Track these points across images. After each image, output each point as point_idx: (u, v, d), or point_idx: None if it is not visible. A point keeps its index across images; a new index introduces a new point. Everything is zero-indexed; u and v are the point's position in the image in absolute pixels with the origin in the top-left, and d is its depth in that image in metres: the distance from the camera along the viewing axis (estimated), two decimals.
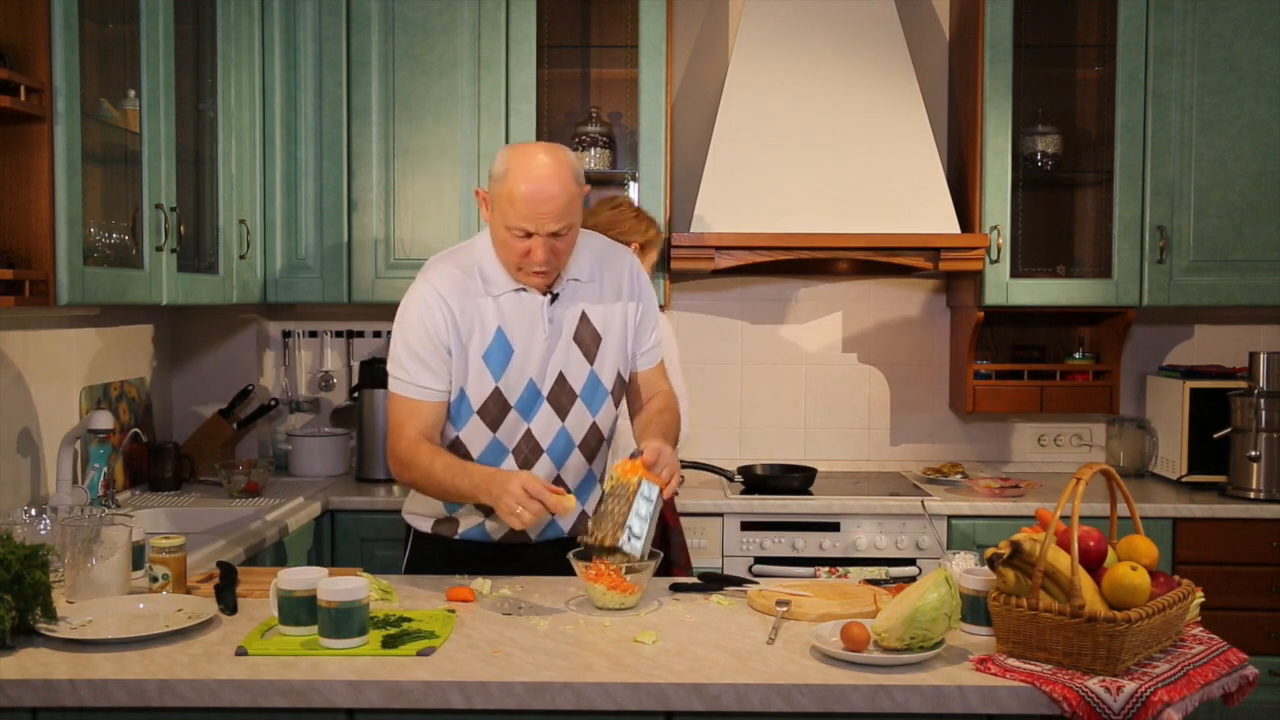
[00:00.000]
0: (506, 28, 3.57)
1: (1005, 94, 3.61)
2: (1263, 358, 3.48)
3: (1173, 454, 3.73)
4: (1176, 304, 3.64)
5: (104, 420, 2.94)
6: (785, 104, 3.66)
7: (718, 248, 3.51)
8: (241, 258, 3.40)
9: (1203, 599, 2.04)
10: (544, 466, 2.37)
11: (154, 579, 2.17)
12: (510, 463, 2.35)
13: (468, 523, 2.43)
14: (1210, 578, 2.96)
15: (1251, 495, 3.47)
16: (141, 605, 2.06)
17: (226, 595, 2.10)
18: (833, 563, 3.39)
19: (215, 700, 1.76)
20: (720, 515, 3.42)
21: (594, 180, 3.91)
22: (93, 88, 2.63)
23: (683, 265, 3.53)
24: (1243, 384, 3.56)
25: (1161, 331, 4.02)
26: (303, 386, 4.01)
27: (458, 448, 2.36)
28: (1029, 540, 1.86)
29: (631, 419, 2.51)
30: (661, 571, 2.49)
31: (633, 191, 3.81)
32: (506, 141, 3.57)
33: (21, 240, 2.39)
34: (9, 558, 1.91)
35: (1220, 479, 3.59)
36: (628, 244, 2.84)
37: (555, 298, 2.34)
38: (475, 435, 2.34)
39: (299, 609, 1.92)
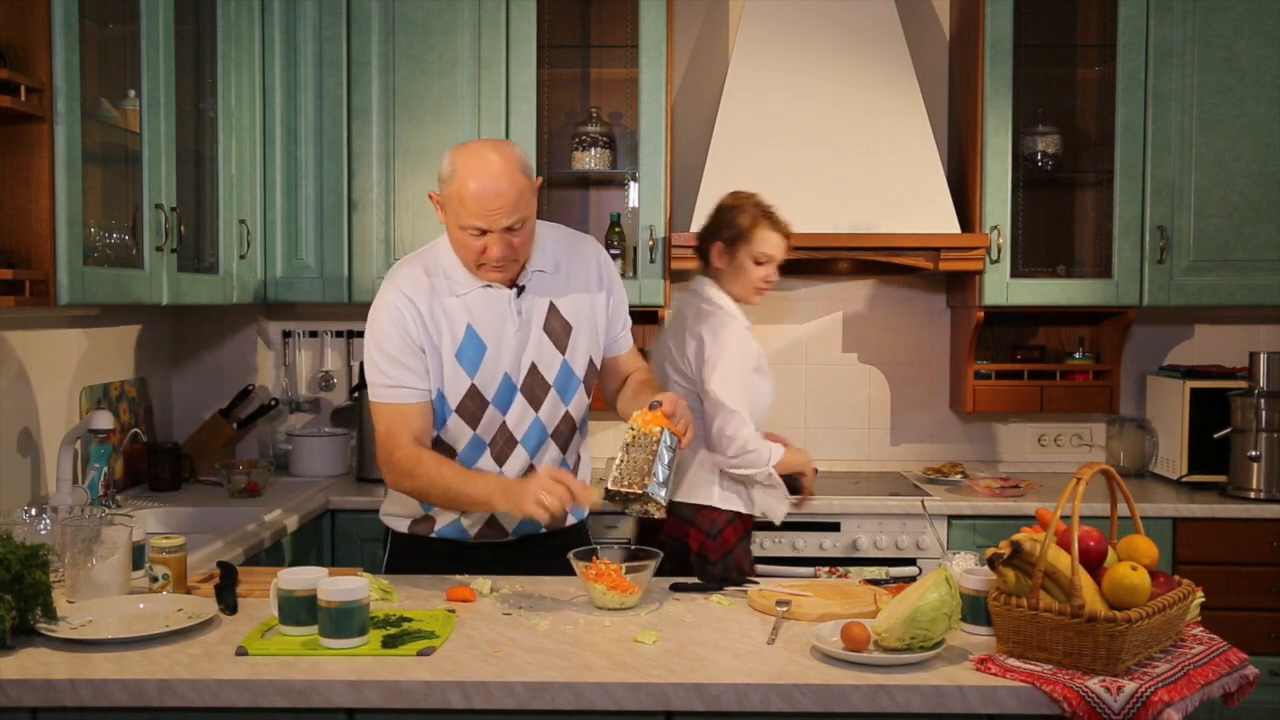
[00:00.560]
0: (507, 28, 3.57)
1: (1005, 94, 3.61)
2: (1263, 358, 3.48)
3: (1173, 454, 3.73)
4: (1176, 304, 3.64)
5: (104, 420, 2.94)
6: (785, 104, 3.66)
7: None
8: (241, 258, 3.40)
9: (1203, 599, 2.04)
10: (519, 458, 2.39)
11: (154, 579, 2.17)
12: (487, 456, 2.37)
13: (444, 520, 2.44)
14: (1210, 578, 2.96)
15: (1251, 495, 3.47)
16: (141, 605, 2.07)
17: (226, 595, 2.10)
18: (833, 563, 3.39)
19: (215, 700, 1.76)
20: None
21: (594, 180, 3.92)
22: (93, 88, 2.63)
23: (683, 265, 3.53)
24: (1243, 384, 3.56)
25: (1161, 331, 4.02)
26: (303, 386, 4.01)
27: (440, 447, 2.37)
28: (1029, 540, 1.86)
29: (614, 399, 2.54)
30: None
31: (632, 191, 3.82)
32: None
33: (21, 240, 2.39)
34: (9, 558, 1.91)
35: (1220, 479, 3.59)
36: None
37: (522, 290, 2.35)
38: (456, 434, 2.36)
39: (299, 609, 1.92)
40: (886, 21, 3.70)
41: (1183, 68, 3.58)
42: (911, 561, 3.39)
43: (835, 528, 3.42)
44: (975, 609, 1.97)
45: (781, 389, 4.02)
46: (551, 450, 2.42)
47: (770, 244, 2.87)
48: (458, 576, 2.35)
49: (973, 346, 3.76)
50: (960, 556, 2.14)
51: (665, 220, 3.62)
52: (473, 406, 2.34)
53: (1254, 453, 3.46)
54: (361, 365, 3.76)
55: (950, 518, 3.42)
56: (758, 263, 2.86)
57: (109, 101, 2.74)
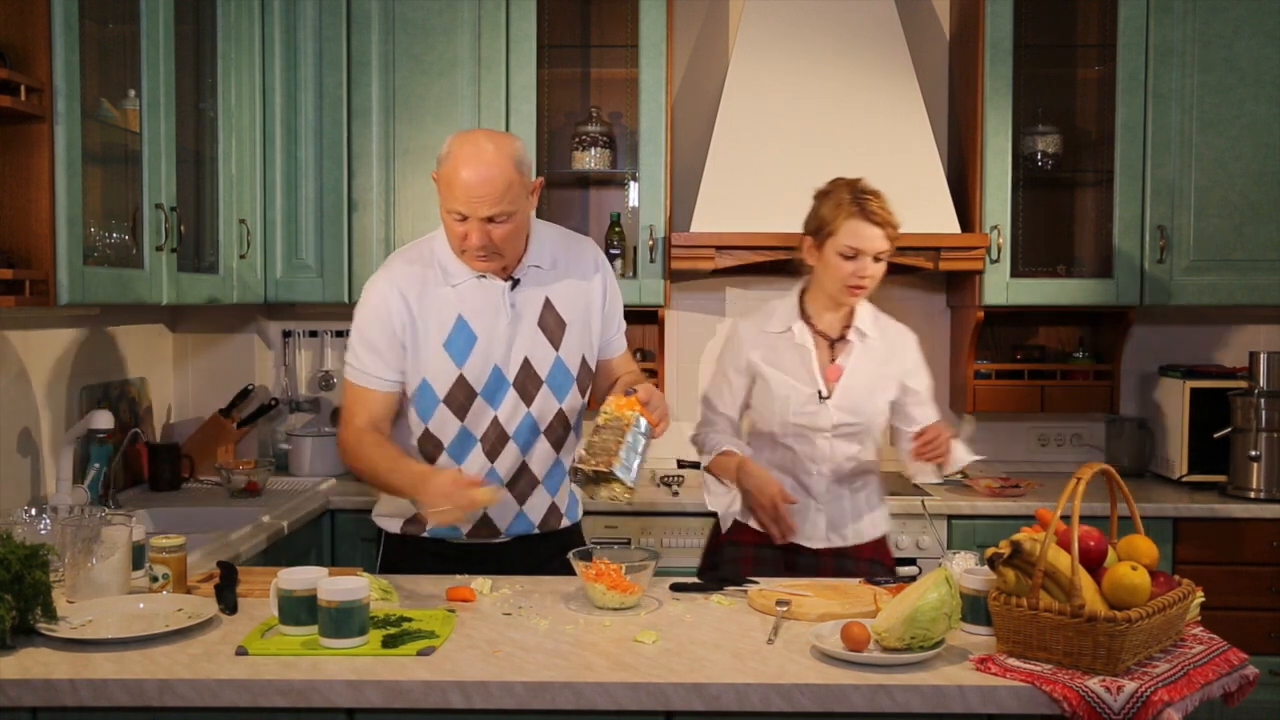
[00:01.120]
0: (506, 28, 3.57)
1: (1005, 94, 3.61)
2: (1263, 358, 3.48)
3: (1173, 454, 3.73)
4: (1176, 304, 3.64)
5: (104, 420, 2.93)
6: (785, 104, 3.65)
7: (718, 247, 3.51)
8: (241, 257, 3.40)
9: (1203, 599, 2.04)
10: (511, 454, 2.39)
11: (154, 579, 2.17)
12: (478, 451, 2.37)
13: None
14: (1210, 578, 2.94)
15: (1251, 495, 3.47)
16: (141, 605, 2.06)
17: (226, 595, 2.10)
18: None
19: (215, 700, 1.76)
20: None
21: (594, 180, 3.92)
22: (93, 87, 2.63)
23: (683, 265, 3.53)
24: (1243, 384, 3.56)
25: (1161, 331, 4.02)
26: (303, 386, 4.01)
27: (428, 439, 2.38)
28: (1029, 540, 1.86)
29: (605, 400, 2.53)
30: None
31: (632, 191, 3.82)
32: None
33: (21, 240, 2.39)
34: (9, 558, 1.91)
35: (1220, 479, 3.59)
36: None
37: (516, 283, 2.36)
38: (444, 425, 2.36)
39: (299, 609, 1.92)
40: (886, 21, 3.70)
41: (1183, 68, 3.58)
42: (911, 561, 3.38)
43: None
44: (975, 609, 1.97)
45: None
46: (544, 448, 2.42)
47: (859, 236, 2.51)
48: (457, 576, 2.35)
49: (973, 346, 3.76)
50: (960, 556, 2.14)
51: (665, 220, 3.62)
52: (461, 397, 2.34)
53: (1254, 452, 3.46)
54: None
55: (950, 518, 3.42)
56: (844, 257, 2.53)
57: (109, 101, 2.74)
